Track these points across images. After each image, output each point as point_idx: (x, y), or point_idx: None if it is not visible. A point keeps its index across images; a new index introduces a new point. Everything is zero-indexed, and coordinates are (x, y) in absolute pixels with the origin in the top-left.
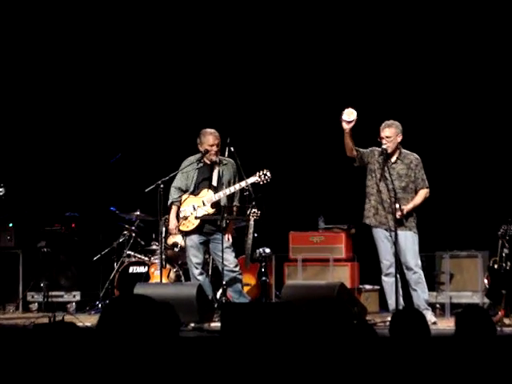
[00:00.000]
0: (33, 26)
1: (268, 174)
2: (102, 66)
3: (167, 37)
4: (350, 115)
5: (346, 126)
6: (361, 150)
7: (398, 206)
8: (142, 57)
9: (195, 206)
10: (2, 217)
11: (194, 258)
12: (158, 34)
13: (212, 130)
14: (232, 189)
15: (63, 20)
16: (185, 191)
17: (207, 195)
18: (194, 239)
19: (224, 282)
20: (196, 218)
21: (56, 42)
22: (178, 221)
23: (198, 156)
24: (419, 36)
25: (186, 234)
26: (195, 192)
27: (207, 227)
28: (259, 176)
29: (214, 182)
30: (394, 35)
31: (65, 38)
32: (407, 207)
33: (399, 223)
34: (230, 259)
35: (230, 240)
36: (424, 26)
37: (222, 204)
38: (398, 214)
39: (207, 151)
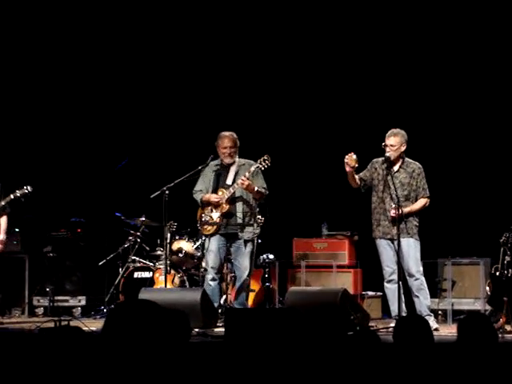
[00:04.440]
0: (37, 30)
1: (267, 158)
2: (108, 73)
3: (169, 43)
4: (352, 162)
5: (348, 170)
6: (362, 175)
7: (393, 205)
8: (147, 65)
9: (212, 209)
10: (9, 222)
11: (211, 261)
12: (161, 39)
13: (227, 133)
14: (239, 182)
15: (67, 24)
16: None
17: (219, 197)
18: (215, 242)
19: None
20: (211, 222)
21: (60, 47)
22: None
23: (218, 160)
24: (425, 43)
25: (208, 237)
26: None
27: (229, 228)
28: (260, 163)
29: (229, 182)
30: (401, 41)
31: (69, 42)
32: (405, 210)
33: (402, 231)
34: (245, 265)
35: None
36: (430, 34)
37: (239, 210)
38: (393, 211)
39: (222, 153)
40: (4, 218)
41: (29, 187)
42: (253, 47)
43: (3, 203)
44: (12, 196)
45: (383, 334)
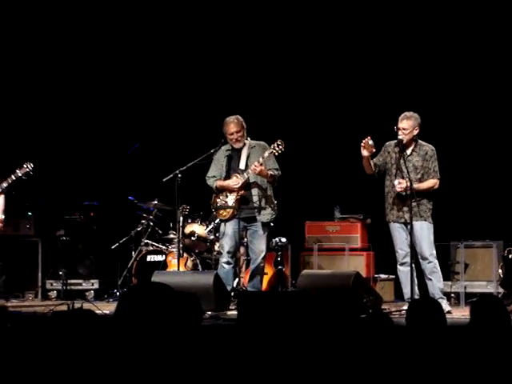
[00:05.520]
0: (45, 23)
1: (281, 144)
2: (120, 58)
3: (179, 29)
4: (369, 148)
5: (366, 154)
6: (376, 161)
7: (397, 181)
8: (158, 48)
9: (227, 195)
10: (22, 205)
11: (226, 245)
12: (170, 27)
13: (231, 119)
14: (252, 168)
15: (75, 15)
16: (220, 179)
17: (236, 181)
18: (230, 226)
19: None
20: (227, 206)
21: (71, 34)
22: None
23: (228, 144)
24: (437, 27)
25: (224, 222)
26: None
27: (246, 212)
28: (273, 148)
29: (242, 166)
30: (413, 24)
31: (79, 30)
32: (414, 185)
33: (415, 214)
34: (261, 248)
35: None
36: (442, 18)
37: (255, 194)
38: (399, 186)
39: (229, 140)
40: (1, 198)
41: (30, 164)
42: (265, 29)
43: (5, 185)
44: (13, 177)
45: (396, 316)
